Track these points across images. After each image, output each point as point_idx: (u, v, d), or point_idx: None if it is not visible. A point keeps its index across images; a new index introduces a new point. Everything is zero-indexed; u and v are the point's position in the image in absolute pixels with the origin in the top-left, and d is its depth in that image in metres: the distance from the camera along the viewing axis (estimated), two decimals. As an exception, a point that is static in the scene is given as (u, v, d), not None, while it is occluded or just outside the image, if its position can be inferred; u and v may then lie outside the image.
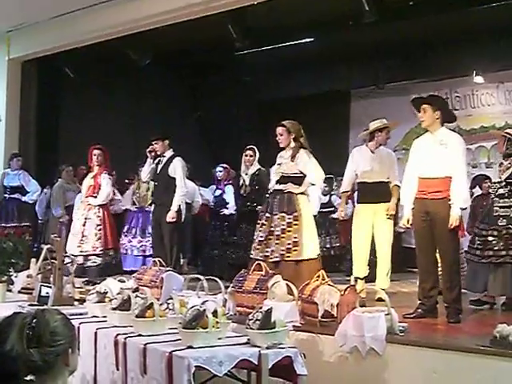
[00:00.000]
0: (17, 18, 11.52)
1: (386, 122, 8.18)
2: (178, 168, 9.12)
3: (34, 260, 7.09)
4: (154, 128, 10.07)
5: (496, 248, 6.92)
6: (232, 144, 12.48)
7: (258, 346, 4.27)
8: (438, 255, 6.42)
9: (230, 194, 10.86)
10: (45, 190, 11.77)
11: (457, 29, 11.04)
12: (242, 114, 14.86)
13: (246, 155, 9.82)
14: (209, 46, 12.06)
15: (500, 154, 7.77)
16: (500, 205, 7.05)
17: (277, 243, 7.41)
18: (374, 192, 7.90)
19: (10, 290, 6.89)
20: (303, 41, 11.66)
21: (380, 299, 6.13)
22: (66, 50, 11.75)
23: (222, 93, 14.32)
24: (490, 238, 7.00)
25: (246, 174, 9.84)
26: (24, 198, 11.42)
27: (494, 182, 7.28)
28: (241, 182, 9.95)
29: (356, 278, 8.01)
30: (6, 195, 11.41)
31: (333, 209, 11.51)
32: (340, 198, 11.37)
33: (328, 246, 11.69)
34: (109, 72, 12.65)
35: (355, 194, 8.59)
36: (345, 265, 10.36)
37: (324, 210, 10.97)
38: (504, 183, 7.07)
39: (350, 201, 8.57)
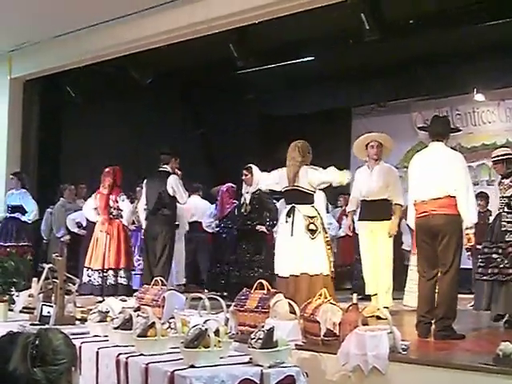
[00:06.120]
0: (19, 38, 11.57)
1: (366, 136, 8.18)
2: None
3: (35, 279, 7.06)
4: (157, 146, 10.08)
5: (501, 266, 6.92)
6: (235, 161, 12.49)
7: (260, 365, 4.25)
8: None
9: None
10: (49, 210, 11.75)
11: (457, 47, 11.10)
12: (244, 132, 14.89)
13: (242, 174, 9.86)
14: (211, 65, 12.11)
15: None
16: (508, 220, 7.05)
17: None
18: (372, 210, 7.87)
19: (11, 310, 6.87)
20: (305, 59, 11.70)
21: (381, 317, 6.11)
22: (68, 69, 11.81)
23: (225, 111, 14.35)
24: (495, 256, 7.00)
25: (247, 193, 9.85)
26: (23, 218, 11.38)
27: (502, 197, 7.24)
28: (242, 200, 9.96)
29: (368, 296, 7.98)
30: (7, 214, 11.40)
31: (328, 227, 11.48)
32: (334, 216, 11.52)
33: None
34: (111, 91, 12.66)
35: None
36: (346, 283, 10.34)
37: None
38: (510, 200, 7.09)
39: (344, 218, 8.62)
